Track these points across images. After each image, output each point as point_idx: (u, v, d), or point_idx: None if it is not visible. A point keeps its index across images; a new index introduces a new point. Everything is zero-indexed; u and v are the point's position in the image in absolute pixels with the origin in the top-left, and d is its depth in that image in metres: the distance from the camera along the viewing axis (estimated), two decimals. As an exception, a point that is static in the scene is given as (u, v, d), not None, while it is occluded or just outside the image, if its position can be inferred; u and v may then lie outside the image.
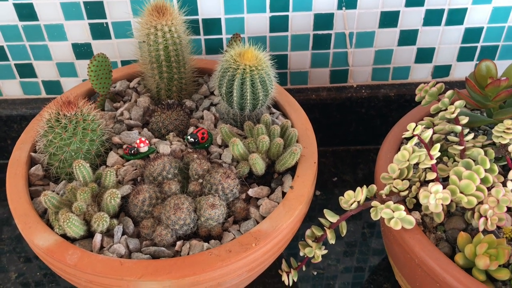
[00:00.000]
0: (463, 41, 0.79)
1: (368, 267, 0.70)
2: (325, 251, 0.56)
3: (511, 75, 0.56)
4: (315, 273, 0.69)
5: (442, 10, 0.75)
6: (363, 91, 0.83)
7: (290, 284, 0.59)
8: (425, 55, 0.80)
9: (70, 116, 0.56)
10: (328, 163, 0.87)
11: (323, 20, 0.76)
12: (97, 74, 0.64)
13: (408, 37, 0.78)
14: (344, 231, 0.55)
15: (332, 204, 0.78)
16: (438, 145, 0.51)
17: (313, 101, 0.83)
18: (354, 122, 0.85)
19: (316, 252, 0.55)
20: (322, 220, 0.55)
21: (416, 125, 0.52)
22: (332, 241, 0.54)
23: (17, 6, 0.73)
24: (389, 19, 0.76)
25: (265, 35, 0.77)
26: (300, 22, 0.76)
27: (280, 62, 0.81)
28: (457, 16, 0.76)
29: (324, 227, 0.55)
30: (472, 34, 0.78)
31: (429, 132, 0.52)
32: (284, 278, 0.58)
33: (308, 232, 0.56)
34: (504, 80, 0.54)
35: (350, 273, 0.69)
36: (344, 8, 0.74)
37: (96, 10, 0.74)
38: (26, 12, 0.73)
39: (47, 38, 0.76)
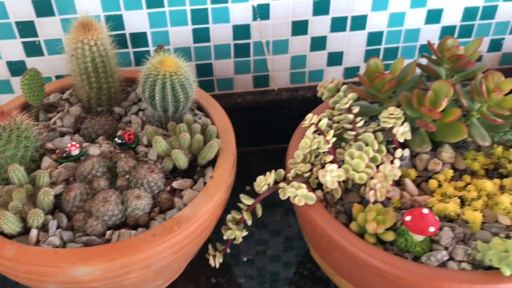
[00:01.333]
0: (367, 44, 0.89)
1: (294, 251, 0.77)
2: (246, 233, 0.63)
3: (395, 69, 0.65)
4: (245, 259, 0.76)
5: (346, 17, 0.85)
6: (283, 93, 0.91)
7: (217, 266, 0.65)
8: (335, 58, 0.89)
9: (4, 126, 0.61)
10: (258, 161, 0.94)
11: (241, 31, 0.84)
12: (30, 88, 0.69)
13: (318, 43, 0.87)
14: (260, 213, 0.62)
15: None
16: (332, 131, 0.59)
17: (239, 105, 0.90)
18: (278, 122, 0.93)
19: (237, 234, 0.62)
20: (240, 204, 0.62)
21: (313, 116, 0.60)
22: (249, 221, 0.61)
23: (-50, 28, 0.77)
24: (300, 27, 0.85)
25: (190, 46, 0.84)
26: (221, 33, 0.83)
27: (206, 70, 0.88)
28: (359, 22, 0.86)
29: (242, 211, 0.62)
30: (374, 38, 0.88)
31: (324, 120, 0.60)
32: (211, 261, 0.65)
33: (228, 216, 0.63)
34: (388, 74, 0.63)
35: (278, 257, 0.76)
36: (258, 19, 0.83)
37: (28, 29, 0.79)
38: (-41, 33, 0.77)
39: (-19, 57, 0.80)
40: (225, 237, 0.63)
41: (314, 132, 0.61)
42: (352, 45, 0.88)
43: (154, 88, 0.64)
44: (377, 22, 0.86)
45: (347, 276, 0.59)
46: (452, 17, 0.87)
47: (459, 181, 0.62)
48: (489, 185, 0.59)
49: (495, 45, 0.93)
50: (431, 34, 0.89)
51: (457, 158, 0.65)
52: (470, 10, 0.87)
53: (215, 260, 0.65)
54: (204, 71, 0.88)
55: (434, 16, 0.87)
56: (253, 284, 0.73)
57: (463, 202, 0.60)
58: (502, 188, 0.61)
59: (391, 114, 0.61)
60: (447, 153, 0.64)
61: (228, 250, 0.65)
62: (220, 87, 0.90)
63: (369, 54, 0.90)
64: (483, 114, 0.61)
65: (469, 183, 0.61)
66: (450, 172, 0.62)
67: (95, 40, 0.68)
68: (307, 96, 0.91)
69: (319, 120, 0.60)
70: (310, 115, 0.60)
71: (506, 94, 0.61)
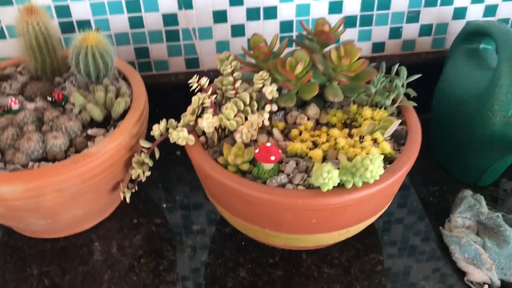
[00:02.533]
0: (281, 32, 1.04)
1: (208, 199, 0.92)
2: (149, 173, 0.79)
3: (271, 43, 0.80)
4: (165, 205, 0.91)
5: (259, 8, 1.01)
6: (212, 74, 1.07)
7: (128, 200, 0.81)
8: (254, 43, 1.05)
9: (-42, 85, 0.78)
10: (191, 133, 1.09)
11: (170, 19, 1.00)
12: (-13, 60, 0.86)
13: (238, 30, 1.03)
14: (157, 155, 0.77)
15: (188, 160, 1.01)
16: (210, 89, 0.75)
17: (174, 83, 1.06)
18: (207, 98, 1.08)
19: (139, 172, 0.77)
20: (142, 148, 0.78)
21: (196, 76, 0.76)
22: (146, 160, 0.77)
23: None
24: (220, 16, 1.01)
25: (127, 31, 1.01)
26: (152, 20, 1.00)
27: (144, 53, 1.04)
28: (271, 12, 1.01)
29: (142, 153, 0.77)
30: (286, 26, 1.04)
31: (205, 79, 0.75)
32: (122, 196, 0.80)
33: (133, 158, 0.78)
34: (263, 46, 0.79)
35: (194, 203, 0.91)
36: (183, 8, 0.99)
37: (-8, 17, 0.96)
38: None
39: (-45, 40, 0.98)
40: (133, 177, 0.79)
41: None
42: (268, 32, 1.04)
43: (79, 57, 0.80)
44: (287, 12, 1.02)
45: (220, 201, 0.74)
46: (352, 8, 1.03)
47: (317, 130, 0.77)
48: (337, 132, 0.74)
49: (395, 33, 1.08)
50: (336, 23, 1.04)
51: (321, 115, 0.80)
52: (367, 2, 1.02)
53: (126, 196, 0.80)
54: (142, 53, 1.04)
55: (336, 7, 1.02)
56: (167, 223, 0.88)
57: (316, 146, 0.74)
58: (351, 136, 0.75)
59: (261, 76, 0.76)
60: (312, 110, 0.79)
61: (136, 188, 0.81)
62: (157, 67, 1.07)
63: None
64: (334, 76, 0.77)
65: (324, 132, 0.76)
66: (310, 124, 0.77)
67: (37, 21, 0.84)
68: (231, 76, 1.06)
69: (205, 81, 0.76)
70: (194, 76, 0.76)
71: (356, 61, 0.76)
